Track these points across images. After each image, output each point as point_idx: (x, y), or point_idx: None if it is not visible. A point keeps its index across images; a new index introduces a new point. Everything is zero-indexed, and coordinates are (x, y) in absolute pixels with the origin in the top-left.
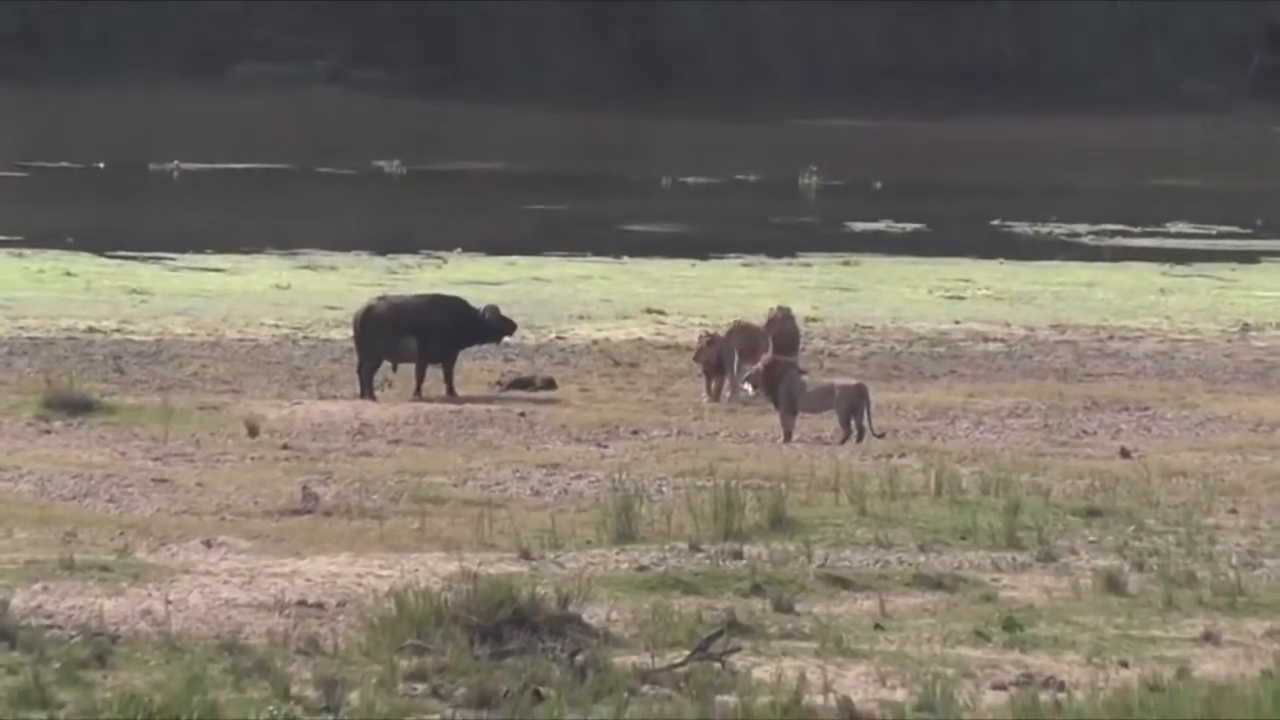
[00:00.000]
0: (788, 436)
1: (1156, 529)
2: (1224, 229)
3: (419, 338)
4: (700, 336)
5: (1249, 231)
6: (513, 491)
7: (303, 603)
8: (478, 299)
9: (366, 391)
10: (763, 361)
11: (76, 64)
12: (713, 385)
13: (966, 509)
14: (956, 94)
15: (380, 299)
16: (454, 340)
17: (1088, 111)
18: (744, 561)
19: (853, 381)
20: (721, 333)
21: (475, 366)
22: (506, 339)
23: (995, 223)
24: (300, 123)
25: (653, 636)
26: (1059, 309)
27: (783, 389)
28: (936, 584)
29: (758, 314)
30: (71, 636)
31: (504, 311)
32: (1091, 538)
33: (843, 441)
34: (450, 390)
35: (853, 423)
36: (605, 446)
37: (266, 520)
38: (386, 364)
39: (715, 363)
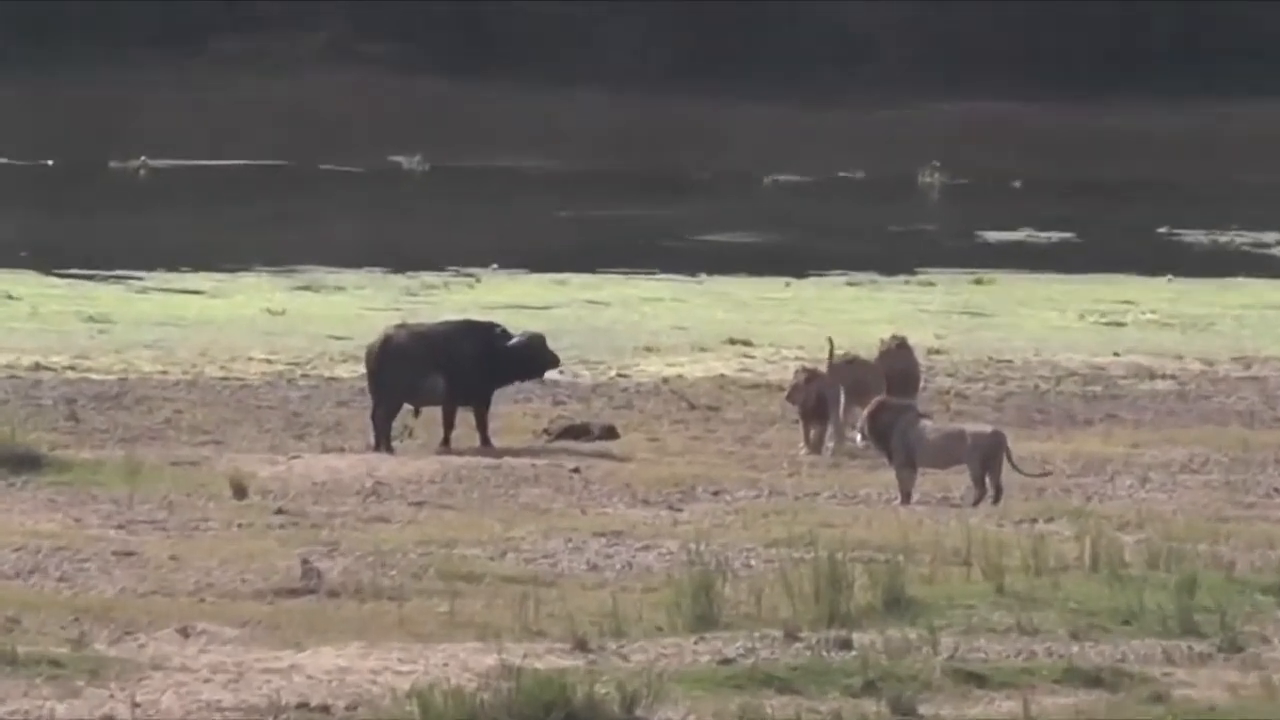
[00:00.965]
0: (906, 497)
1: None
2: None
3: (447, 375)
4: (796, 373)
5: None
6: (564, 566)
7: (303, 706)
8: (518, 327)
9: (382, 442)
10: (874, 404)
11: (17, 37)
12: (812, 433)
13: (1130, 586)
14: (1110, 72)
15: (399, 327)
16: (488, 376)
17: (1272, 94)
18: (853, 653)
19: (988, 428)
20: (823, 368)
21: (516, 411)
22: (550, 375)
23: (1162, 230)
24: (298, 109)
25: None
26: (1243, 338)
27: (899, 438)
28: (1094, 680)
29: (868, 346)
30: None
31: (550, 344)
32: None
33: (975, 503)
34: (485, 440)
35: (988, 479)
36: (679, 510)
37: (257, 603)
38: (406, 408)
39: (815, 405)
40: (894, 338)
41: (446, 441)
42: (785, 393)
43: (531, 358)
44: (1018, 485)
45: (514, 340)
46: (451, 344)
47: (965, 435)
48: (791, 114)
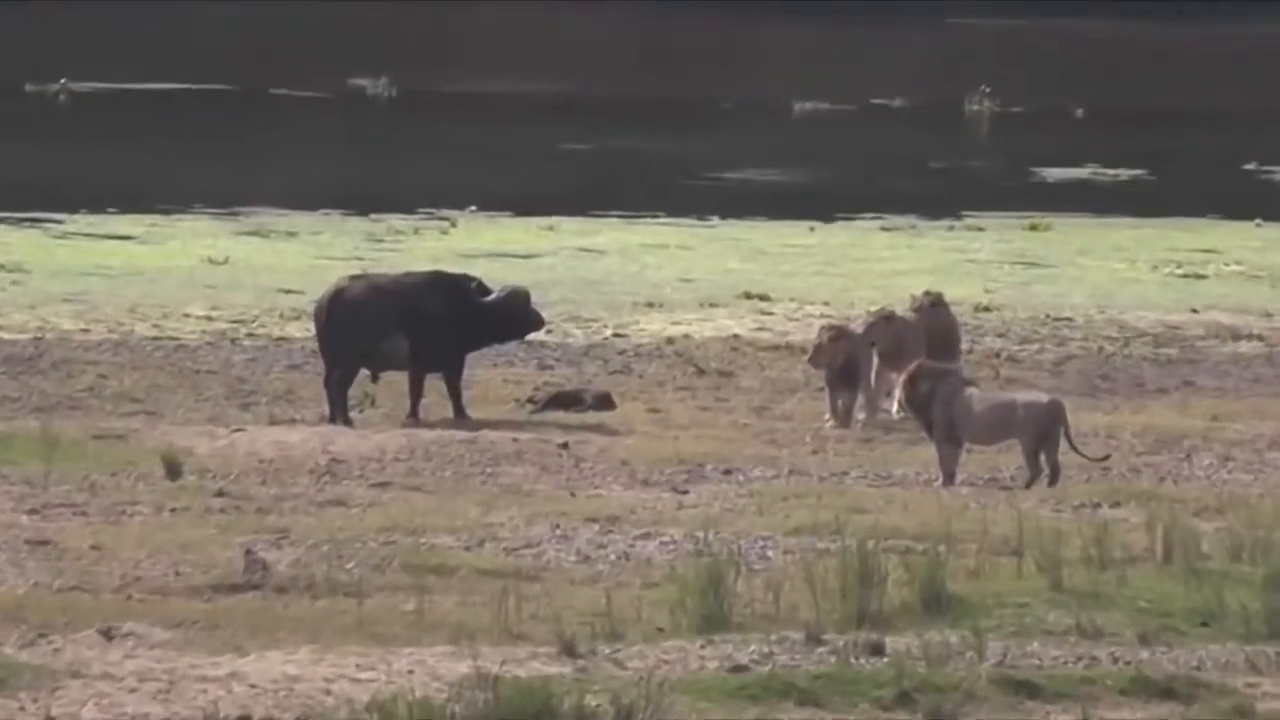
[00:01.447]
0: (949, 478)
1: None
2: None
3: (412, 335)
4: (821, 331)
5: None
6: (550, 557)
7: (245, 719)
8: (498, 281)
9: (339, 413)
10: (912, 369)
11: None
12: (839, 403)
13: (1208, 582)
14: None
15: (355, 278)
16: (460, 338)
17: None
18: (886, 659)
19: (1043, 398)
20: (853, 325)
21: (496, 377)
22: (536, 335)
23: (1249, 167)
24: (244, 24)
25: None
26: None
27: (941, 408)
28: (1165, 691)
29: (903, 301)
30: None
31: (536, 300)
32: None
33: (1029, 484)
34: (459, 411)
35: (1043, 457)
36: (685, 492)
37: (193, 600)
38: (365, 373)
39: (843, 370)
40: (927, 293)
41: (414, 412)
42: (808, 355)
43: (512, 316)
44: (1077, 464)
45: (492, 296)
46: (417, 298)
47: (1017, 406)
48: (821, 34)
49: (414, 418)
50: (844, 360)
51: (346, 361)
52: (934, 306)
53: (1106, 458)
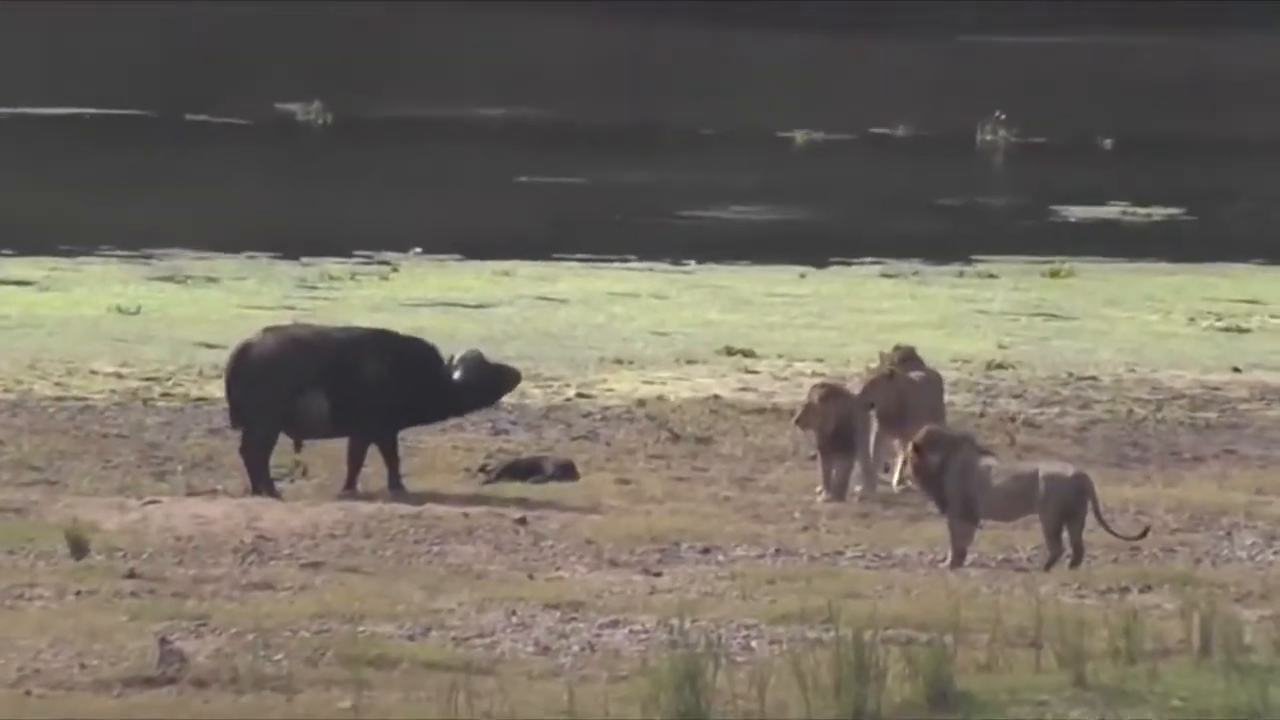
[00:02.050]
0: (959, 558)
1: None
2: None
3: (333, 395)
4: (812, 390)
5: None
6: (506, 648)
7: None
8: (448, 336)
9: (261, 483)
10: (921, 435)
11: None
12: (833, 472)
13: (1252, 678)
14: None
15: (268, 330)
16: (400, 406)
17: None
18: None
19: (1068, 470)
20: (850, 385)
21: (444, 443)
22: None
23: None
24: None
25: None
26: None
27: (953, 480)
28: None
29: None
30: None
31: (494, 357)
32: None
33: (1049, 566)
34: (395, 481)
35: (1066, 536)
36: (658, 574)
37: (100, 696)
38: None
39: (837, 435)
40: (898, 348)
41: (351, 483)
42: (796, 415)
43: (473, 385)
44: (1104, 543)
45: (457, 375)
46: (343, 355)
47: (1039, 478)
48: (816, 48)
49: (351, 489)
50: (837, 424)
51: (260, 423)
52: (905, 362)
53: (1143, 535)
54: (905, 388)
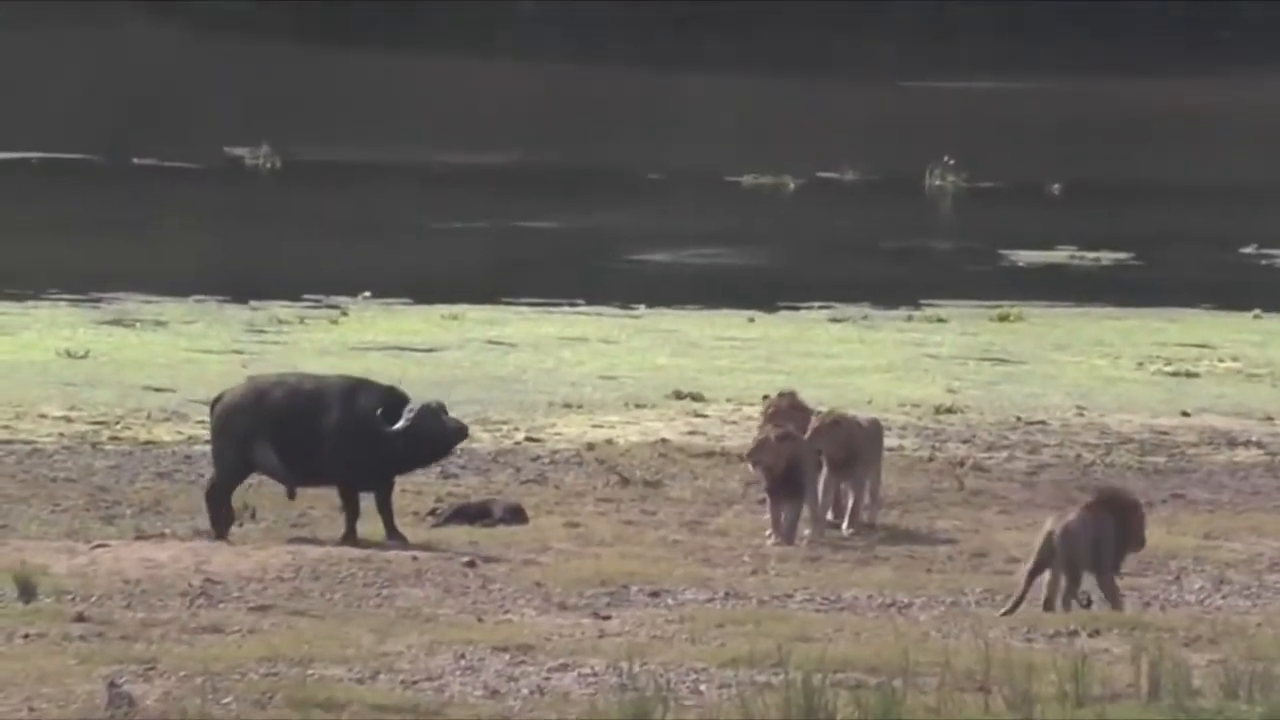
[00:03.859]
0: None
1: None
2: None
3: (278, 446)
4: (763, 426)
5: None
6: (455, 691)
7: None
8: (400, 376)
9: (215, 525)
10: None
11: None
12: (783, 515)
13: None
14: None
15: (249, 379)
16: (349, 456)
17: None
18: None
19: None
20: (799, 424)
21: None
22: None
23: (1247, 251)
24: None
25: None
26: None
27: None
28: None
29: (854, 403)
30: None
31: (442, 400)
32: None
33: (1009, 611)
34: (348, 533)
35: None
36: (607, 618)
37: None
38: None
39: (786, 478)
40: (782, 394)
41: (349, 533)
42: (748, 450)
43: (424, 437)
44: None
45: (399, 424)
46: (290, 406)
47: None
48: (762, 90)
49: (349, 538)
50: (788, 464)
51: (218, 468)
52: (792, 409)
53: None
54: (853, 431)
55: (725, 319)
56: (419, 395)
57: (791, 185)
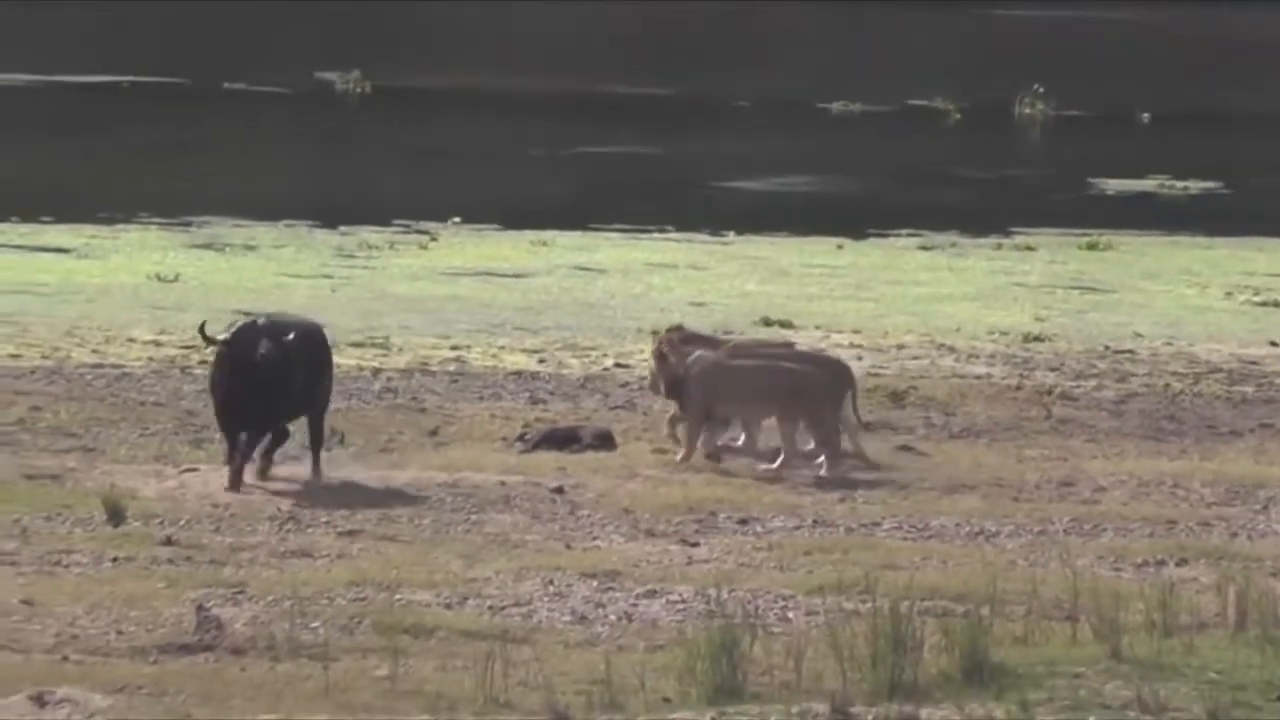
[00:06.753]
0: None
1: None
2: None
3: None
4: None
5: None
6: (542, 617)
7: None
8: (489, 301)
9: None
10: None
11: None
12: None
13: None
14: None
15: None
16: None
17: None
18: None
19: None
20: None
21: (482, 412)
22: (529, 363)
23: None
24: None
25: None
26: None
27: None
28: None
29: (944, 331)
30: None
31: (516, 325)
32: None
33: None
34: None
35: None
36: (695, 545)
37: (137, 662)
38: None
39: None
40: (671, 329)
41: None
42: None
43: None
44: (1140, 517)
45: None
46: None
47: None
48: (850, 20)
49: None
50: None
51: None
52: (686, 342)
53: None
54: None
55: (814, 246)
56: (508, 320)
57: (881, 111)
